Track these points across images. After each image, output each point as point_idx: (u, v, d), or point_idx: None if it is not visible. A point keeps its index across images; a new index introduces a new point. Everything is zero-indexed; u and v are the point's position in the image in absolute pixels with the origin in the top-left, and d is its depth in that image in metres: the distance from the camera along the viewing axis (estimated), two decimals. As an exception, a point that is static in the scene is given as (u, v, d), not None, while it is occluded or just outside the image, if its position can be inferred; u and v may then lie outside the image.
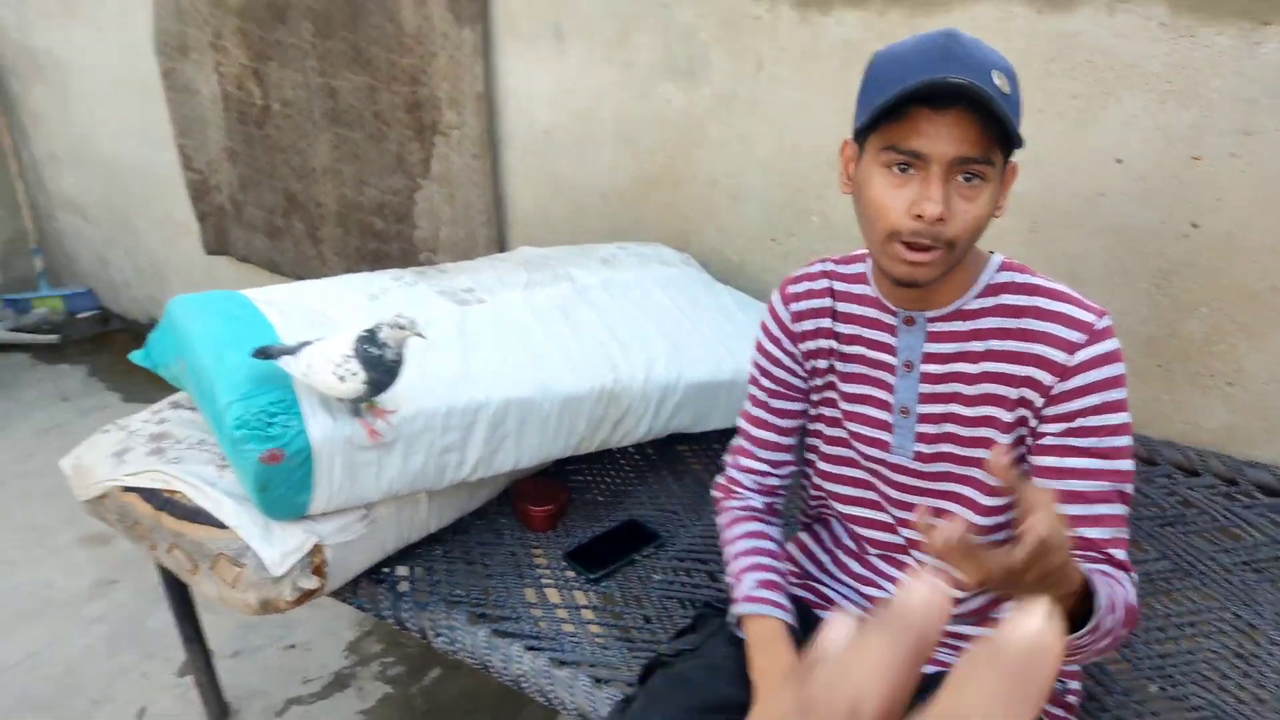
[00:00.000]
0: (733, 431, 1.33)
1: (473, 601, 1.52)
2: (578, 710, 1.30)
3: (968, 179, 0.95)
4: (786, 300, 1.20)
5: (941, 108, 0.93)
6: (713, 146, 2.14)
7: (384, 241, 2.84)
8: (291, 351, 1.42)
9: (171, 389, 1.78)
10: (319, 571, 1.40)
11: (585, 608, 1.52)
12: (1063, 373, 1.01)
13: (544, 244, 2.55)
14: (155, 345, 1.71)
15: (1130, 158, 1.69)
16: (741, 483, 1.29)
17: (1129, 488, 1.04)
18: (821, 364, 1.19)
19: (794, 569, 1.33)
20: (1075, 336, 1.01)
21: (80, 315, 4.08)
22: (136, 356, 1.74)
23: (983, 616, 1.19)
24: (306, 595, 1.40)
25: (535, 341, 1.68)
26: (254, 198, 3.17)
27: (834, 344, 1.17)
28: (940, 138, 0.93)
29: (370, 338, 1.36)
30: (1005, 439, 1.07)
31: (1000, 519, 1.12)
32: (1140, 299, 1.76)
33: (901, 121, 0.95)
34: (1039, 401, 1.04)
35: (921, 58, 0.94)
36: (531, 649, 1.39)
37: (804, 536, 1.35)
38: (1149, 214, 1.70)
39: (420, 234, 2.73)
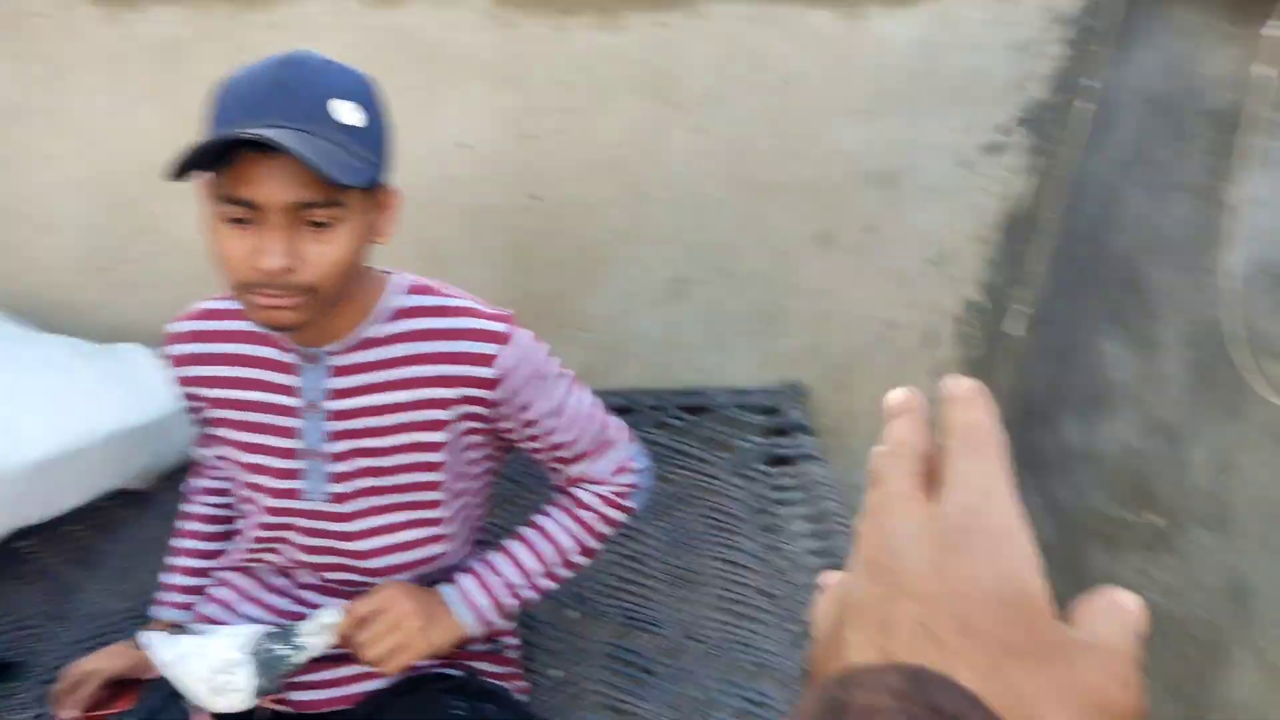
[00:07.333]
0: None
1: None
2: None
3: (316, 224, 0.86)
4: (168, 346, 1.07)
5: (269, 150, 0.80)
6: (3, 170, 1.75)
7: None
8: None
9: None
10: None
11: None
12: (491, 385, 0.99)
13: None
14: None
15: (472, 140, 1.74)
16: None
17: (608, 431, 1.12)
18: (214, 414, 1.06)
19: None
20: (489, 349, 0.99)
21: None
22: None
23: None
24: None
25: None
26: None
27: (222, 392, 1.04)
28: (272, 182, 0.82)
29: None
30: (438, 457, 1.03)
31: (441, 548, 1.09)
32: (496, 271, 1.84)
33: (230, 167, 0.83)
34: (487, 413, 1.02)
35: (251, 90, 0.84)
36: None
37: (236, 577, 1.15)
38: (495, 191, 1.79)
39: None
